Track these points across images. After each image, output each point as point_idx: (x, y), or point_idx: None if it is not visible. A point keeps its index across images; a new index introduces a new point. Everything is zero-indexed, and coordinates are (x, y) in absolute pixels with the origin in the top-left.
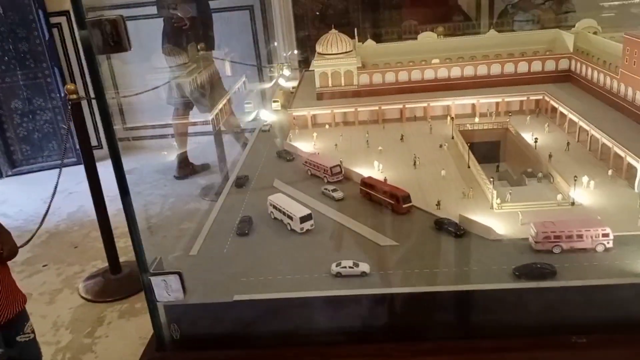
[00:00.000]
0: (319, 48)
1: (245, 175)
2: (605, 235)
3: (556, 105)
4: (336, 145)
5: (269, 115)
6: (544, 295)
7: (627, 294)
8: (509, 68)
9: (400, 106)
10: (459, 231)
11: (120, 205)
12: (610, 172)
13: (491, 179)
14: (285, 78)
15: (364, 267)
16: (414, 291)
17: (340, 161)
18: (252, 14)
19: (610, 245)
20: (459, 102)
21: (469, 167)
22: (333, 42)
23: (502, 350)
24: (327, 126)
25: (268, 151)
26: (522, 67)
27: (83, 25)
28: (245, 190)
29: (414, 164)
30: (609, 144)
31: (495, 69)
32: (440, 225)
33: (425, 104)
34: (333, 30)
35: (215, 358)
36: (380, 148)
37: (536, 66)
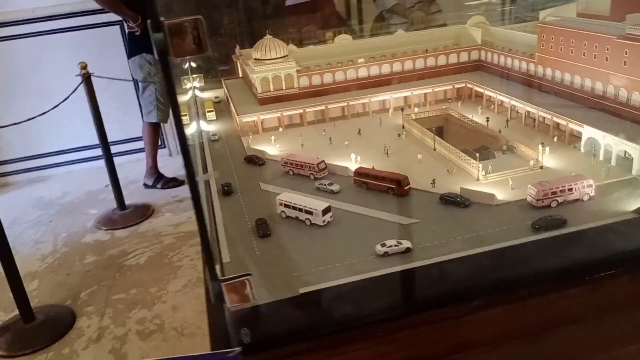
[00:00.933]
0: (256, 54)
1: (228, 182)
2: (590, 186)
3: (481, 90)
4: (302, 145)
5: (207, 126)
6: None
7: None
8: (431, 61)
9: (345, 104)
10: (466, 202)
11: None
12: (555, 139)
13: (477, 155)
14: (199, 89)
15: (407, 243)
16: (464, 255)
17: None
18: None
19: (593, 193)
20: (396, 96)
21: (434, 149)
22: (270, 47)
23: (555, 291)
24: (280, 129)
25: (232, 158)
26: (441, 60)
27: (159, 27)
28: (235, 196)
29: (387, 153)
30: (549, 116)
31: (419, 64)
32: (447, 199)
33: (366, 100)
34: (268, 36)
35: (292, 352)
36: (346, 142)
37: (452, 58)
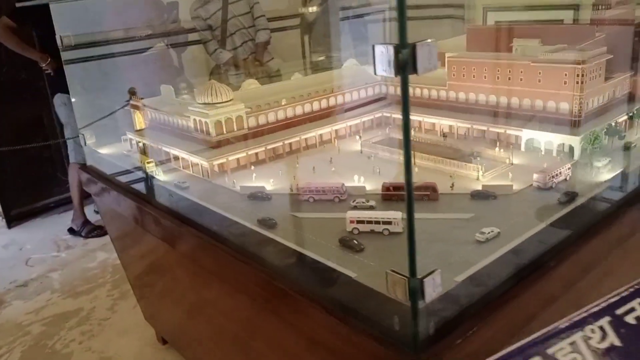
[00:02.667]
0: (204, 98)
1: (266, 217)
2: (569, 168)
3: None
4: (294, 177)
5: (165, 175)
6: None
7: None
8: (346, 98)
9: (298, 138)
10: (493, 195)
11: None
12: (497, 145)
13: (474, 158)
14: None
15: (496, 229)
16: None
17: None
18: None
19: (570, 174)
20: (328, 130)
21: (414, 163)
22: (218, 92)
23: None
24: (252, 167)
25: (230, 200)
26: (355, 96)
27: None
28: (280, 228)
29: (378, 172)
30: (484, 128)
31: (333, 101)
32: (477, 195)
33: (313, 134)
34: (212, 81)
35: (471, 328)
36: (333, 169)
37: (362, 93)
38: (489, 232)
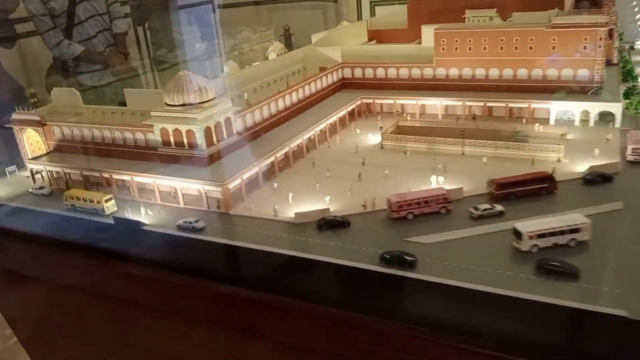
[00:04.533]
0: (176, 98)
1: (406, 253)
2: (637, 141)
3: (404, 102)
4: (350, 189)
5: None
6: None
7: None
8: (312, 88)
9: (300, 139)
10: (609, 176)
11: None
12: (524, 121)
13: (559, 142)
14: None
15: None
16: None
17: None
18: None
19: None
20: (323, 125)
21: (462, 153)
22: (197, 87)
23: None
24: (274, 184)
25: (292, 234)
26: (324, 82)
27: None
28: (419, 266)
29: (444, 169)
30: (501, 105)
31: (306, 91)
32: (591, 179)
33: (312, 132)
34: (184, 72)
35: None
36: (386, 172)
37: (329, 80)
38: None
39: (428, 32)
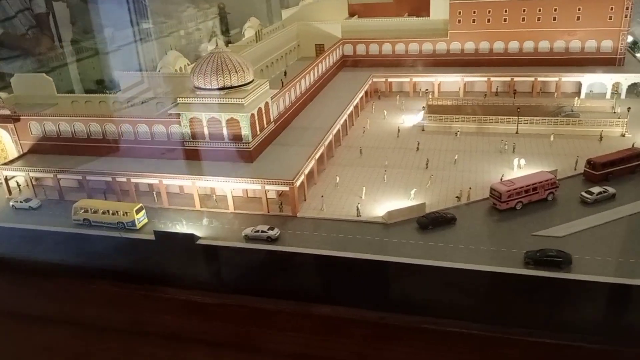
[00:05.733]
0: (211, 80)
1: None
2: None
3: (422, 80)
4: (413, 192)
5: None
6: None
7: None
8: (320, 69)
9: (338, 126)
10: None
11: None
12: (555, 95)
13: (619, 116)
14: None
15: None
16: None
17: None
18: None
19: None
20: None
21: (517, 132)
22: (237, 65)
23: None
24: (337, 178)
25: (394, 238)
26: (324, 65)
27: None
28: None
29: (513, 149)
30: (530, 79)
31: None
32: None
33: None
34: (217, 49)
35: None
36: (456, 157)
37: (332, 58)
38: None
39: (439, 4)
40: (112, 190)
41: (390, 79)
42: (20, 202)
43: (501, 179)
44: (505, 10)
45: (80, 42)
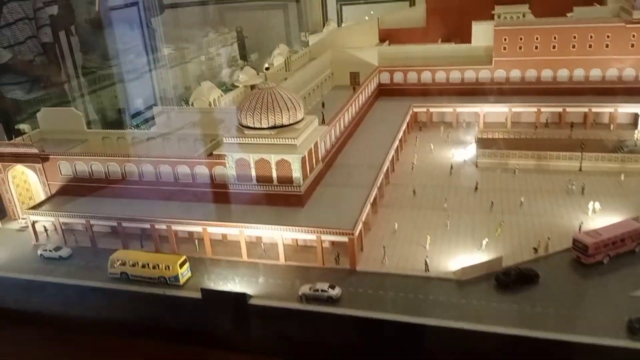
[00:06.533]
0: (259, 119)
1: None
2: None
3: (471, 110)
4: (484, 243)
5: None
6: None
7: None
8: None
9: (387, 164)
10: None
11: None
12: (612, 127)
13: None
14: None
15: None
16: None
17: None
18: None
19: None
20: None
21: (580, 169)
22: (289, 102)
23: None
24: (395, 225)
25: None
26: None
27: None
28: None
29: (582, 190)
30: (583, 110)
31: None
32: None
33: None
34: (265, 85)
35: None
36: (522, 199)
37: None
38: None
39: (481, 30)
40: (150, 237)
41: (432, 109)
42: (50, 250)
43: (580, 228)
44: (555, 37)
45: (97, 71)
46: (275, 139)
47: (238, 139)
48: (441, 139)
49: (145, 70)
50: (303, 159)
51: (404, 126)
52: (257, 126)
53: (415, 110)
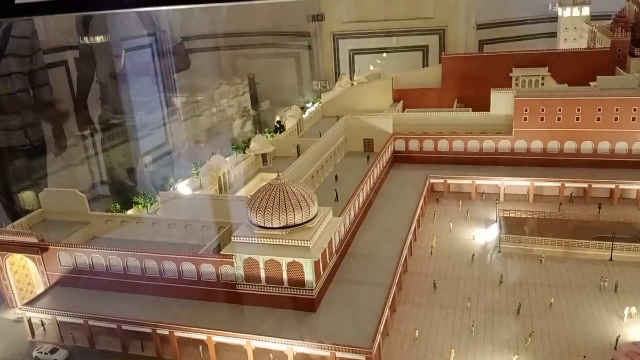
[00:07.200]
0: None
1: None
2: None
3: (488, 182)
4: None
5: None
6: None
7: None
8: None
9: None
10: None
11: None
12: None
13: None
14: None
15: None
16: None
17: None
18: None
19: None
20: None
21: (610, 259)
22: (296, 204)
23: None
24: (417, 332)
25: None
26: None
27: None
28: None
29: (615, 287)
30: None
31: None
32: None
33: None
34: (279, 181)
35: None
36: (552, 300)
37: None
38: None
39: (501, 98)
40: (151, 338)
41: (449, 181)
42: (45, 353)
43: (617, 342)
44: (578, 109)
45: (116, 124)
46: (286, 240)
47: (247, 239)
48: (460, 214)
49: (159, 125)
50: (317, 262)
51: (421, 202)
52: (268, 225)
53: (432, 181)
